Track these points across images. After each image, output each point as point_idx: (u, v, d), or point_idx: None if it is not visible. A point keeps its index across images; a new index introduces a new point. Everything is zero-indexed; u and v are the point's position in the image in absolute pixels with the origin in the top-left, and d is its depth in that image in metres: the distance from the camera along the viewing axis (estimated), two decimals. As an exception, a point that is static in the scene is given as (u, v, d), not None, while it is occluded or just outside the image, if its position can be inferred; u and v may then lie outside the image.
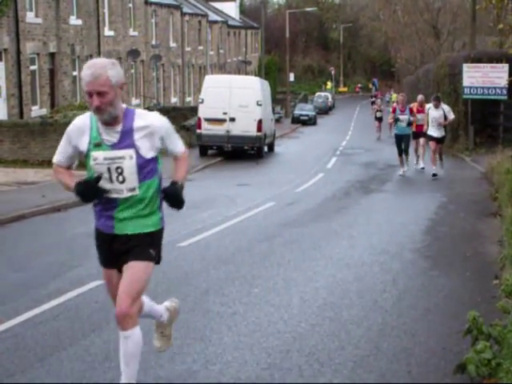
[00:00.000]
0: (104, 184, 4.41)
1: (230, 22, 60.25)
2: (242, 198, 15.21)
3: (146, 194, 4.49)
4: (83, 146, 4.44)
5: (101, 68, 4.25)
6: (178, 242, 9.97)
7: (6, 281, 8.13)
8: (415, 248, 9.85)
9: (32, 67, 25.58)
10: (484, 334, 5.07)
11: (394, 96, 43.85)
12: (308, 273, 8.36)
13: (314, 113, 51.54)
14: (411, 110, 19.12)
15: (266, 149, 27.08)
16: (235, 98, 24.73)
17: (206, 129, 25.00)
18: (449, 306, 7.11)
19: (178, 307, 5.24)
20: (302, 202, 14.63)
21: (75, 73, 28.67)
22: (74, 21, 29.02)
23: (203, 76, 37.61)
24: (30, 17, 25.47)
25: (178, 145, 4.66)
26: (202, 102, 25.24)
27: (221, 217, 12.43)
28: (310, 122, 49.32)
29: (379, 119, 35.38)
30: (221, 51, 56.32)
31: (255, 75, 51.15)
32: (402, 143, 19.03)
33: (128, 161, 4.38)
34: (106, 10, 33.07)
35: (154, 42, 40.26)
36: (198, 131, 25.26)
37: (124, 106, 4.46)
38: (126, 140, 4.39)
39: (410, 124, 19.02)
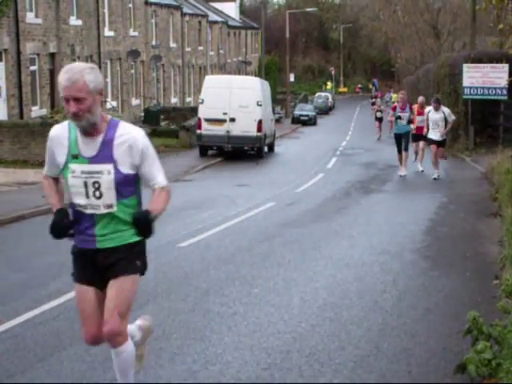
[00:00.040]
0: (79, 199, 4.23)
1: (230, 23, 60.28)
2: (242, 198, 15.21)
3: (125, 213, 4.25)
4: (61, 157, 4.25)
5: (78, 73, 4.03)
6: (178, 243, 9.96)
7: (6, 281, 8.13)
8: (415, 248, 9.85)
9: (32, 67, 25.59)
10: (484, 334, 5.06)
11: (394, 96, 43.82)
12: (308, 273, 8.36)
13: (314, 113, 51.55)
14: (411, 108, 19.09)
15: (266, 149, 27.09)
16: (235, 99, 24.73)
17: (206, 129, 25.00)
18: (449, 306, 7.11)
19: (152, 325, 4.97)
20: (302, 202, 14.63)
21: (75, 73, 28.62)
22: (74, 21, 29.02)
23: (203, 76, 37.61)
24: (30, 17, 25.46)
25: (158, 174, 4.30)
26: (202, 103, 25.25)
27: (221, 217, 12.43)
28: (310, 122, 49.34)
29: (379, 119, 35.37)
30: (221, 51, 56.33)
31: (255, 75, 51.18)
32: (401, 141, 19.02)
33: (106, 176, 4.16)
34: (106, 11, 33.07)
35: (154, 43, 40.26)
36: (198, 131, 25.27)
37: (109, 116, 4.26)
38: (105, 153, 4.16)
39: (410, 122, 19.00)
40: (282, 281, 7.99)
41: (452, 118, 18.43)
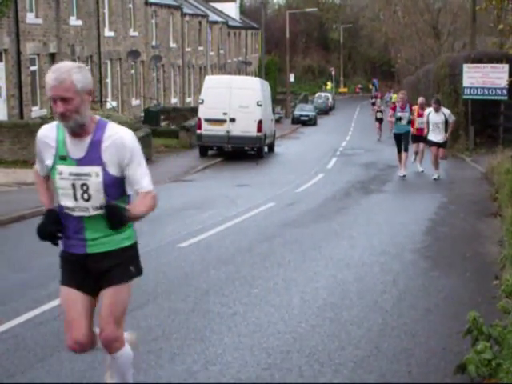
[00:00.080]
0: (67, 201, 4.12)
1: (230, 23, 60.29)
2: (242, 198, 15.21)
3: None
4: (49, 158, 4.13)
5: (65, 72, 3.91)
6: (179, 243, 9.97)
7: (6, 281, 8.13)
8: (415, 248, 9.85)
9: (32, 68, 25.60)
10: (484, 335, 5.06)
11: (394, 96, 43.82)
12: (308, 273, 8.36)
13: (314, 113, 51.53)
14: (411, 108, 19.07)
15: (266, 149, 27.09)
16: (235, 99, 24.74)
17: (206, 129, 25.01)
18: (449, 307, 7.11)
19: (137, 340, 4.83)
20: (302, 202, 14.62)
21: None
22: (74, 21, 29.03)
23: (203, 76, 37.62)
24: (30, 17, 25.47)
25: (143, 178, 4.13)
26: (202, 103, 25.26)
27: (221, 217, 12.42)
28: (310, 122, 49.34)
29: (380, 120, 35.34)
30: (221, 52, 56.34)
31: (255, 76, 51.20)
32: (401, 141, 19.00)
33: (94, 178, 4.05)
34: (106, 11, 33.09)
35: (154, 43, 40.28)
36: (198, 132, 25.28)
37: (98, 117, 4.14)
38: (93, 154, 4.05)
39: (410, 122, 18.98)
40: (282, 281, 7.99)
41: (452, 118, 18.39)
